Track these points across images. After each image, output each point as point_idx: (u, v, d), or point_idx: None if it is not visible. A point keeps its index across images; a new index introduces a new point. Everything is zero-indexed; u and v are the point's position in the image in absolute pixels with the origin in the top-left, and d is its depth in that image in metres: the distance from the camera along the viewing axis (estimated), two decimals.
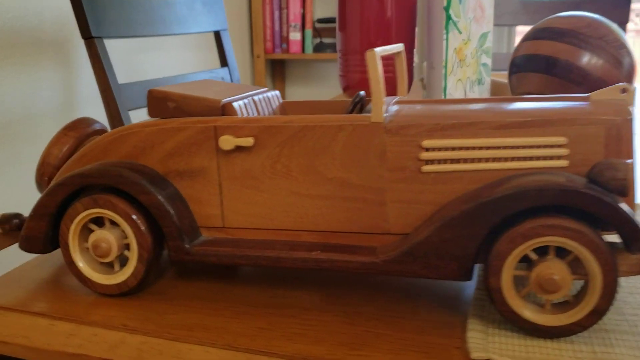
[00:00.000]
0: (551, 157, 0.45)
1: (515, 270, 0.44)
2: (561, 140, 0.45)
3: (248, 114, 0.54)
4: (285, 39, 2.47)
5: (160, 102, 0.52)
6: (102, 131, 0.61)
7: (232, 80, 1.51)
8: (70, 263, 0.53)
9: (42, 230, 0.53)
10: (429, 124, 0.46)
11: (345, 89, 1.12)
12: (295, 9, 2.43)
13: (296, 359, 0.43)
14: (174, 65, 1.89)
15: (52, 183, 0.53)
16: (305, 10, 2.44)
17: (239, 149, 0.50)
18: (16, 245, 0.60)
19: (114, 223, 0.53)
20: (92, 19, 1.18)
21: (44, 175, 0.57)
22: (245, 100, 0.54)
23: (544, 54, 0.75)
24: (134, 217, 0.50)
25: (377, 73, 0.46)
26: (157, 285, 0.55)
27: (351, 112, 0.56)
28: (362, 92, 0.56)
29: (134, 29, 1.28)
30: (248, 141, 0.49)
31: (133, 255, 0.51)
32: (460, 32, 1.04)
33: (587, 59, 0.73)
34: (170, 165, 0.52)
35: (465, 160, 0.46)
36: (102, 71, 1.20)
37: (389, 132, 0.47)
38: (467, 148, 0.46)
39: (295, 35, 2.44)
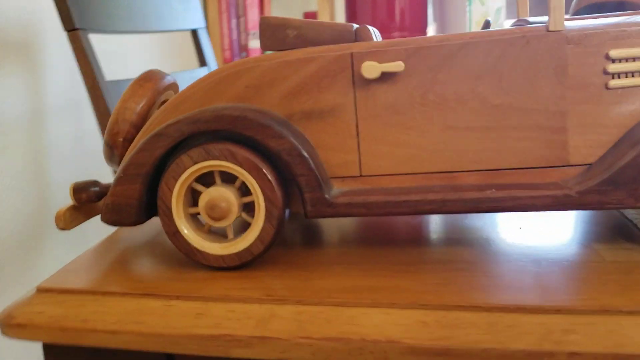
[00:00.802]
0: None
1: None
2: None
3: None
4: (244, 48, 2.38)
5: (278, 30, 0.44)
6: (175, 85, 0.52)
7: None
8: (175, 233, 0.43)
9: (134, 196, 0.43)
10: (614, 31, 0.40)
11: None
12: (253, 16, 2.35)
13: (509, 309, 0.36)
14: (143, 69, 1.78)
15: (146, 135, 0.43)
16: None
17: (381, 80, 0.42)
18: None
19: (225, 180, 0.44)
20: (75, 10, 1.07)
21: (118, 135, 0.47)
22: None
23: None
24: (262, 167, 0.41)
25: None
26: (271, 255, 0.46)
27: None
28: (489, 19, 0.49)
29: (115, 24, 1.17)
30: (398, 65, 0.41)
31: (259, 215, 0.42)
32: (482, 4, 0.99)
33: None
34: (294, 106, 0.43)
35: None
36: (89, 66, 1.09)
37: (570, 42, 0.40)
38: None
39: (254, 44, 2.36)
